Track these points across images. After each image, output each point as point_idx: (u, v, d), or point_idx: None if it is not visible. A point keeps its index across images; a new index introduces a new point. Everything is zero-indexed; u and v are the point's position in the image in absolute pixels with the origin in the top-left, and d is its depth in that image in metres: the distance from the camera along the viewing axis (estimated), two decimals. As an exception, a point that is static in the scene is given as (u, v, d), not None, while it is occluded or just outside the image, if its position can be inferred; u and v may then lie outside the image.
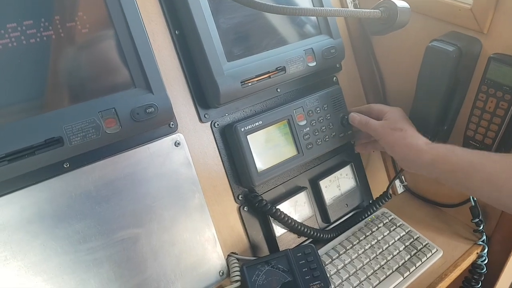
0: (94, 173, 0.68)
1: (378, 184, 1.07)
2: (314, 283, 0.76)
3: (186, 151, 0.77)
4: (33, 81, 0.61)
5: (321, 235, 0.90)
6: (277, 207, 0.84)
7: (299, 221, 0.88)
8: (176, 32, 0.78)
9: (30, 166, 0.60)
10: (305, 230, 0.87)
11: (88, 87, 0.65)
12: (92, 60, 0.65)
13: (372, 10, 0.73)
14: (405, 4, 0.74)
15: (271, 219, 0.85)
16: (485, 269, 0.96)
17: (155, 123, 0.70)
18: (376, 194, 1.04)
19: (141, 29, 0.68)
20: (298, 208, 0.90)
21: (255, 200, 0.83)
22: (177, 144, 0.76)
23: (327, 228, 0.95)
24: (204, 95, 0.80)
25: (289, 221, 0.84)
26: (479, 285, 0.98)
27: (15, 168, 0.59)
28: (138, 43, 0.68)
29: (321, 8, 0.65)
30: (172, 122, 0.76)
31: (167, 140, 0.75)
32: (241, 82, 0.79)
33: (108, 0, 0.66)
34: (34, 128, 0.59)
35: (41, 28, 0.60)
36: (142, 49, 0.68)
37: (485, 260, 0.96)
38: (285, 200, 0.88)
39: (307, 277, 0.77)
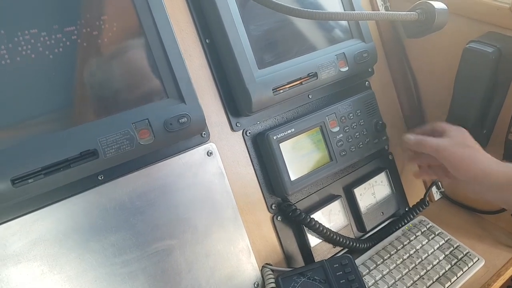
0: (128, 185, 0.67)
1: (414, 191, 1.04)
2: (352, 295, 0.73)
3: (218, 160, 0.76)
4: (67, 94, 0.61)
5: (357, 245, 0.87)
6: (311, 216, 0.82)
7: (334, 230, 0.86)
8: (207, 40, 0.77)
9: (65, 179, 0.60)
10: (341, 239, 0.84)
11: (121, 99, 0.64)
12: (125, 71, 0.65)
13: (408, 12, 0.71)
14: (443, 6, 0.72)
15: (306, 228, 0.83)
16: (530, 279, 0.92)
17: (188, 133, 0.69)
18: (412, 201, 1.00)
19: (173, 39, 0.68)
20: (332, 217, 0.88)
21: (288, 209, 0.81)
22: (209, 153, 0.75)
23: (363, 237, 0.92)
24: (235, 103, 0.79)
25: (324, 230, 0.82)
26: (525, 296, 0.94)
27: (51, 182, 0.59)
28: (169, 53, 0.68)
29: (357, 12, 0.64)
30: (204, 132, 0.75)
31: (200, 150, 0.74)
32: (272, 90, 0.77)
33: (139, 10, 0.66)
34: (69, 141, 0.59)
35: (76, 38, 0.61)
36: (173, 59, 0.68)
37: (530, 269, 0.91)
38: (319, 209, 0.86)
39: (345, 289, 0.75)
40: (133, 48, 0.66)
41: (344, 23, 0.89)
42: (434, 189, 1.07)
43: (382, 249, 0.89)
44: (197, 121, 0.69)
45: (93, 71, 0.62)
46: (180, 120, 0.67)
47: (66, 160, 0.59)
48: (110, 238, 0.66)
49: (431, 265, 0.86)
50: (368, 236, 0.93)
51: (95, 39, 0.62)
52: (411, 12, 0.71)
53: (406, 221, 0.95)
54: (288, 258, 0.83)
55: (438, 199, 1.08)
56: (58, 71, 0.60)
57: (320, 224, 0.82)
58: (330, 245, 0.86)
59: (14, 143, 0.56)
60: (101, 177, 0.66)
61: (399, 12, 0.69)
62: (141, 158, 0.68)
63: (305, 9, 0.67)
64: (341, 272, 0.77)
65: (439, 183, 1.07)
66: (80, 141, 0.60)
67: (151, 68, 0.67)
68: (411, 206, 0.99)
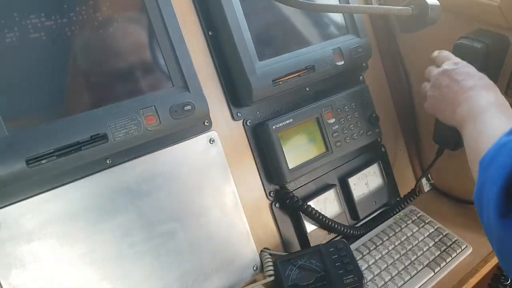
0: (135, 169, 0.70)
1: (405, 181, 1.08)
2: (347, 277, 0.77)
3: (220, 148, 0.79)
4: (79, 80, 0.64)
5: (352, 232, 0.91)
6: (307, 203, 0.86)
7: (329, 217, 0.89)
8: (210, 33, 0.80)
9: (76, 161, 0.63)
10: (336, 226, 0.88)
11: (130, 86, 0.68)
12: (134, 61, 0.68)
13: (403, 7, 0.75)
14: (436, 1, 0.76)
15: (302, 215, 0.86)
16: (514, 265, 0.96)
17: (192, 120, 0.73)
18: (403, 191, 1.04)
19: (178, 31, 0.72)
20: (327, 205, 0.91)
21: (286, 196, 0.85)
22: (211, 141, 0.78)
23: (357, 225, 0.96)
24: (236, 93, 0.82)
25: (320, 217, 0.86)
26: (509, 282, 0.98)
27: (63, 163, 0.61)
28: (175, 44, 0.71)
29: (353, 5, 0.67)
30: (206, 120, 0.78)
31: (202, 138, 0.77)
32: (272, 81, 0.81)
33: (149, 8, 0.69)
34: (81, 125, 0.62)
35: (87, 28, 0.64)
36: (179, 49, 0.71)
37: (514, 256, 0.96)
38: (315, 197, 0.90)
39: (341, 271, 0.78)
40: (141, 39, 0.69)
41: (340, 19, 0.93)
42: (424, 180, 1.11)
43: (375, 236, 0.93)
44: (200, 109, 0.72)
45: (104, 60, 0.65)
46: (184, 108, 0.70)
47: (78, 142, 0.62)
48: (117, 219, 0.68)
49: (421, 251, 0.90)
50: (362, 224, 0.96)
51: (106, 30, 0.65)
52: (406, 7, 0.75)
53: (397, 210, 0.99)
54: (285, 243, 0.87)
55: (428, 191, 1.12)
56: (71, 58, 0.63)
57: (316, 210, 0.85)
58: (325, 232, 0.90)
59: (30, 126, 0.59)
60: (109, 161, 0.68)
61: (394, 7, 0.73)
62: (147, 144, 0.71)
63: (303, 1, 0.70)
64: (336, 256, 0.80)
65: (429, 175, 1.11)
66: (91, 125, 0.63)
67: (158, 58, 0.70)
68: (402, 196, 1.03)
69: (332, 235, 0.91)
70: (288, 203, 0.85)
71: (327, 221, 0.87)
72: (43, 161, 0.59)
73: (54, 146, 0.60)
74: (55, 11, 0.62)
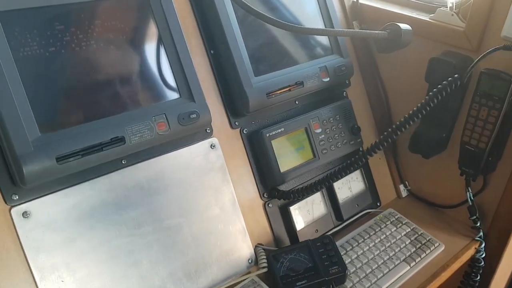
0: (146, 169, 0.80)
1: (384, 186, 1.19)
2: (333, 268, 0.87)
3: (220, 153, 0.89)
4: (103, 90, 0.74)
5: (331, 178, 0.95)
6: (295, 202, 0.97)
7: (316, 219, 1.01)
8: (212, 51, 0.91)
9: (98, 160, 0.72)
10: (317, 184, 0.94)
11: (144, 96, 0.78)
12: (148, 74, 0.79)
13: (380, 31, 0.86)
14: (408, 27, 0.88)
15: (292, 215, 0.96)
16: (483, 263, 1.06)
17: (196, 127, 0.82)
18: (383, 196, 1.16)
19: (186, 50, 0.82)
20: (314, 206, 1.02)
21: (277, 192, 0.94)
22: (212, 146, 0.88)
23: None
24: (235, 105, 0.92)
25: (305, 191, 0.94)
26: (478, 278, 1.08)
27: (87, 161, 0.70)
28: (183, 61, 0.82)
29: (337, 29, 0.78)
30: (208, 128, 0.88)
31: (205, 143, 0.87)
32: (266, 94, 0.91)
33: (160, 29, 0.80)
34: (103, 129, 0.72)
35: (112, 48, 0.74)
36: (186, 66, 0.82)
37: (482, 254, 1.06)
38: (303, 199, 1.00)
39: (326, 263, 0.88)
40: (154, 58, 0.80)
41: (325, 41, 1.04)
42: (401, 187, 1.22)
43: (357, 234, 1.03)
44: (204, 118, 0.83)
45: (124, 74, 0.76)
46: (190, 116, 0.80)
47: (100, 144, 0.71)
48: (130, 213, 0.77)
49: (398, 248, 1.00)
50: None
51: (126, 51, 0.77)
52: (382, 31, 0.86)
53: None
54: (276, 239, 0.96)
55: (405, 196, 1.23)
56: (95, 72, 0.73)
57: (299, 189, 0.94)
58: (313, 230, 1.00)
59: (59, 128, 0.69)
60: (124, 162, 0.78)
61: (372, 31, 0.85)
62: (158, 148, 0.81)
63: (293, 25, 0.81)
64: (323, 249, 0.90)
65: (406, 182, 1.22)
66: (111, 129, 0.72)
67: (168, 73, 0.81)
68: (381, 198, 1.14)
69: (319, 234, 1.01)
70: (277, 196, 0.95)
71: (309, 186, 0.94)
72: (70, 159, 0.68)
73: (80, 146, 0.69)
74: (76, 28, 0.72)
